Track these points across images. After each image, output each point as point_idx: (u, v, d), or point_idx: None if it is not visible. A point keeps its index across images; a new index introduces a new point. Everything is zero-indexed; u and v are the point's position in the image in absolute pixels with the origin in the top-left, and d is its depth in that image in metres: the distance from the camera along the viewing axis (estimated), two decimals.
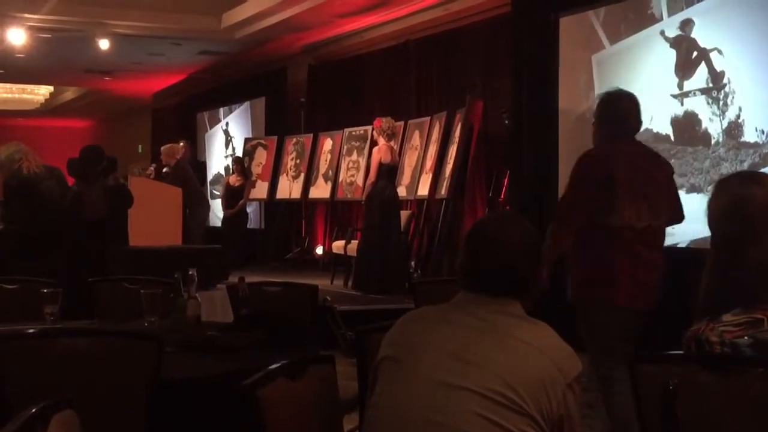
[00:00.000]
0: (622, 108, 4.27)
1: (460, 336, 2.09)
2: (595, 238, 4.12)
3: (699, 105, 6.79)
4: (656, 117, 7.00)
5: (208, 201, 12.81)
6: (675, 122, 6.97)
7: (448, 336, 2.10)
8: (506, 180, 8.99)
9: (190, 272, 3.74)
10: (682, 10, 6.91)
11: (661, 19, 7.09)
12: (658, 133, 7.02)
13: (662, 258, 4.21)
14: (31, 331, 3.01)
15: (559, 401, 2.00)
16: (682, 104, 6.91)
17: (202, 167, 13.48)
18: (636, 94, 4.37)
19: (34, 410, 1.76)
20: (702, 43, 6.74)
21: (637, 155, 4.24)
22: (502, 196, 9.07)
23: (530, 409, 1.97)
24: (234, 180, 12.68)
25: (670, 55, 7.00)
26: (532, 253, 2.19)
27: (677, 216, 4.37)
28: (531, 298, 2.17)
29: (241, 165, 12.78)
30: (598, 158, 4.21)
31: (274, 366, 2.27)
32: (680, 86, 6.93)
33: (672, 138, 6.98)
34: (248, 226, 13.15)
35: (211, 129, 16.45)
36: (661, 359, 2.43)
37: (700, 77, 6.77)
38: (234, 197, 12.56)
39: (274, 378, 2.25)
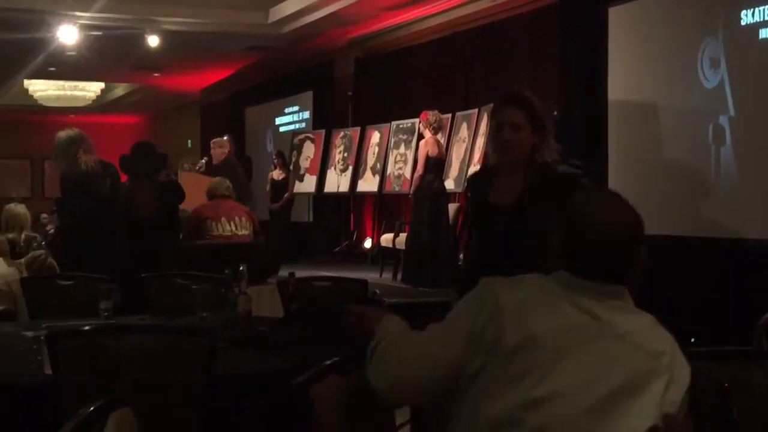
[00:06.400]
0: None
1: (596, 353, 1.98)
2: None
3: None
4: None
5: (254, 197, 12.83)
6: None
7: (579, 345, 1.98)
8: None
9: (241, 268, 3.77)
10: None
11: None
12: None
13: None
14: (86, 327, 3.03)
15: (678, 409, 1.97)
16: None
17: (248, 163, 13.50)
18: None
19: (91, 409, 1.78)
20: None
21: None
22: None
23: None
24: (277, 174, 12.71)
25: None
26: (636, 235, 2.06)
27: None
28: (635, 283, 2.07)
29: (282, 159, 12.80)
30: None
31: (325, 363, 2.27)
32: None
33: None
34: (293, 220, 13.14)
35: (259, 125, 16.52)
36: (717, 356, 2.39)
37: None
38: (279, 191, 12.60)
39: (326, 375, 2.25)
